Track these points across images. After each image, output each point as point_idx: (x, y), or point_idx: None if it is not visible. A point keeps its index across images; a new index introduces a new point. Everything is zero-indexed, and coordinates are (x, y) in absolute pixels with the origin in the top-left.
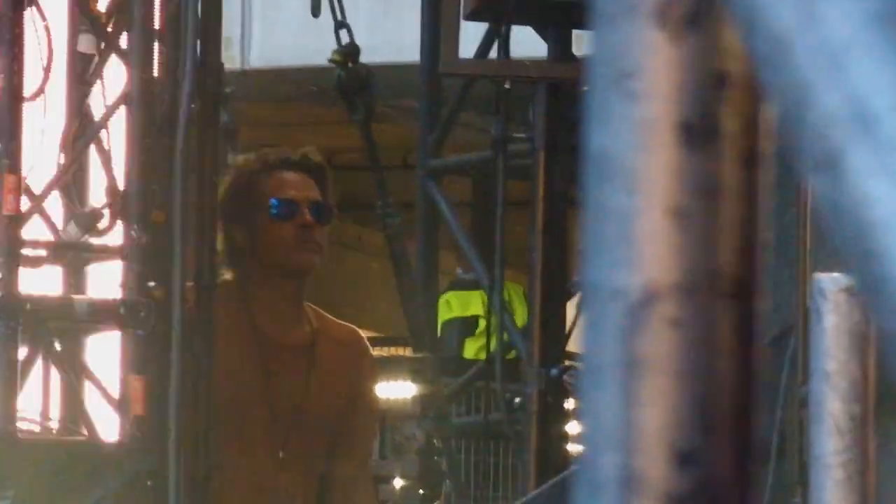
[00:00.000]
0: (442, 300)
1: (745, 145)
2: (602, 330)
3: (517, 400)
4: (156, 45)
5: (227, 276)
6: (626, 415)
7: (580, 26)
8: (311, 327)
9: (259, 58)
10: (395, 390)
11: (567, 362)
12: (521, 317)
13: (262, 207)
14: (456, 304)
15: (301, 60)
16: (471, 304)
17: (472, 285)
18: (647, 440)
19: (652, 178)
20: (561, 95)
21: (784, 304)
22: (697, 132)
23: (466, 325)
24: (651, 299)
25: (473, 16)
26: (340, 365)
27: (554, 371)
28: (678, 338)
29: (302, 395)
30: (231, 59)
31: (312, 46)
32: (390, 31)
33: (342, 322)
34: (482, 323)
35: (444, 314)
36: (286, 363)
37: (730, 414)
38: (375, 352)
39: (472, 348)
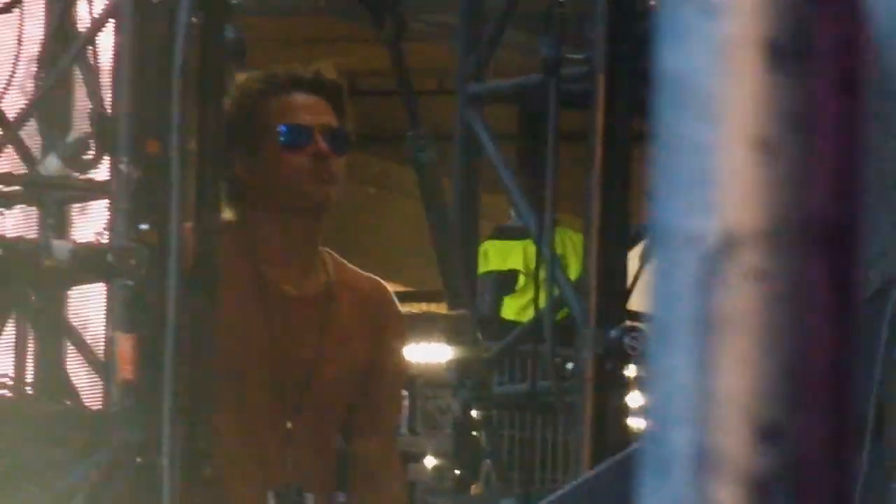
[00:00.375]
0: (479, 250)
1: (842, 67)
2: (674, 282)
3: (569, 366)
4: None
5: (227, 215)
6: (701, 382)
7: None
8: (326, 277)
9: None
10: (427, 353)
11: (628, 322)
12: (574, 269)
13: (269, 134)
14: (493, 256)
15: None
16: (510, 255)
17: (515, 234)
18: (725, 412)
19: (734, 106)
20: (623, 9)
21: (887, 252)
22: (787, 52)
23: (504, 281)
24: (732, 247)
25: None
26: (361, 322)
27: (613, 332)
28: (763, 292)
29: (314, 356)
30: None
31: None
32: None
33: (364, 273)
34: (522, 279)
35: (479, 266)
36: (296, 319)
37: (822, 382)
38: (404, 308)
39: (511, 307)
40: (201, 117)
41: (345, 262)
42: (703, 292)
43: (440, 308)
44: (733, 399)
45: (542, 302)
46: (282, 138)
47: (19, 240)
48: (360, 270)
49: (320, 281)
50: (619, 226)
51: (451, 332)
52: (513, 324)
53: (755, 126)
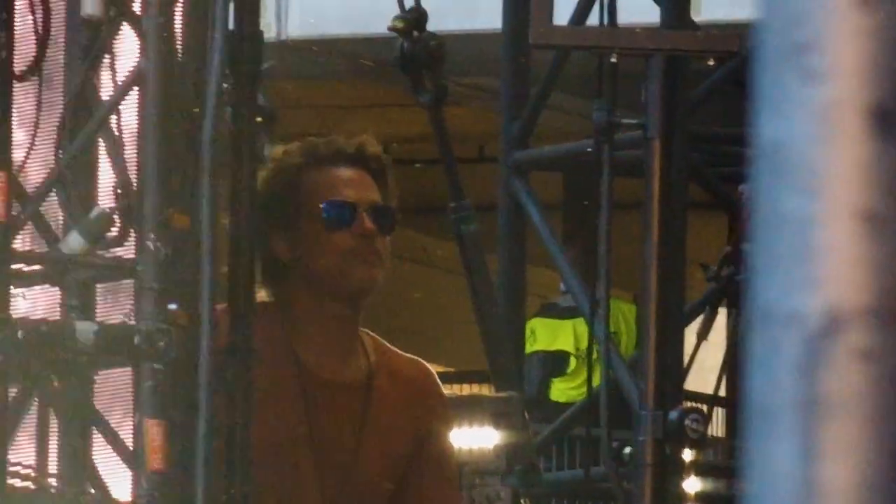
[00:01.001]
0: (526, 328)
1: None
2: (775, 364)
3: (627, 450)
4: (177, 9)
5: (263, 295)
6: (804, 472)
7: None
8: (367, 361)
9: (300, 25)
10: (474, 438)
11: (687, 404)
12: (626, 344)
13: (312, 212)
14: (542, 335)
15: (352, 28)
16: (559, 336)
17: (564, 313)
18: (832, 503)
19: (837, 176)
20: (678, 71)
21: None
22: (893, 118)
23: (553, 362)
24: (836, 326)
25: None
26: (403, 408)
27: (673, 414)
28: (871, 373)
29: (355, 443)
30: (265, 26)
31: (367, 10)
32: None
33: (407, 354)
34: (573, 361)
35: (525, 345)
36: (336, 407)
37: None
38: (447, 390)
39: (560, 390)
40: (233, 190)
41: (386, 343)
42: (806, 375)
43: (486, 390)
44: (839, 491)
45: (596, 380)
46: (324, 215)
47: (41, 322)
48: (401, 352)
49: (360, 366)
50: (676, 300)
51: (499, 415)
52: (562, 406)
53: (860, 197)
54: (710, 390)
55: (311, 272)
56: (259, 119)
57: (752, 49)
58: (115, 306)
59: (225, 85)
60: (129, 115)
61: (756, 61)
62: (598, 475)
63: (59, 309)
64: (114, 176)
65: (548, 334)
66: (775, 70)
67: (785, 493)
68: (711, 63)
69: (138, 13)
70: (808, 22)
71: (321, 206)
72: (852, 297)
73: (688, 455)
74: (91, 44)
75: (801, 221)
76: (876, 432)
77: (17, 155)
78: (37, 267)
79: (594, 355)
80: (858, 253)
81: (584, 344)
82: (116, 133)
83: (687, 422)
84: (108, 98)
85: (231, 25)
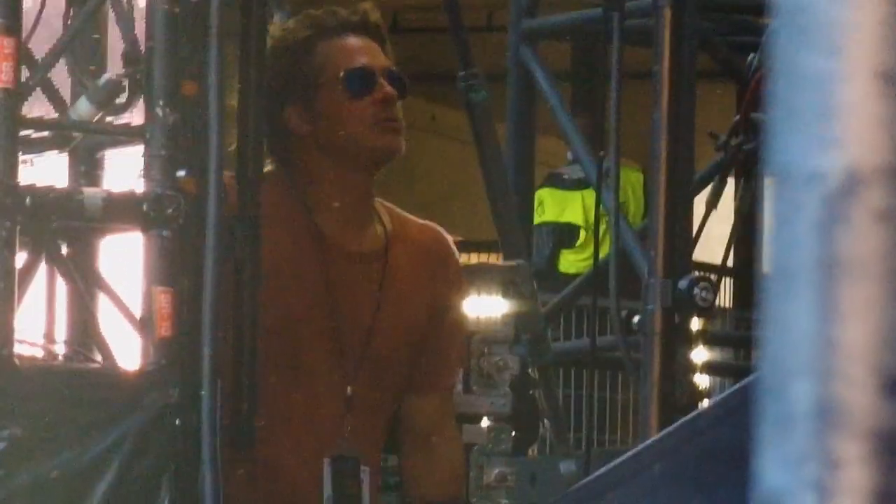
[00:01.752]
0: (534, 198)
1: None
2: (794, 224)
3: (635, 319)
4: None
5: (271, 167)
6: (823, 331)
7: None
8: (383, 229)
9: None
10: (483, 307)
11: (696, 273)
12: (634, 212)
13: (329, 81)
14: (550, 206)
15: None
16: (567, 207)
17: (572, 185)
18: (849, 363)
19: (857, 35)
20: None
21: None
22: None
23: (562, 234)
24: (856, 185)
25: None
26: (420, 275)
27: (682, 283)
28: (890, 233)
29: (373, 315)
30: None
31: None
32: None
33: (423, 221)
34: (583, 234)
35: (534, 215)
36: (354, 275)
37: None
38: None
39: (569, 261)
40: (242, 57)
41: (401, 211)
42: (825, 234)
43: (494, 259)
44: (858, 349)
45: (605, 250)
46: (346, 83)
47: (49, 188)
48: (418, 219)
49: (377, 235)
50: (686, 170)
51: (508, 283)
52: (570, 277)
53: (880, 56)
54: (717, 260)
55: (332, 142)
56: None
57: None
58: (122, 173)
59: None
60: None
61: None
62: (606, 344)
63: (66, 175)
64: (122, 43)
65: (556, 205)
66: None
67: (804, 353)
68: None
69: None
70: None
71: (341, 75)
72: (872, 156)
73: (695, 324)
74: None
75: (822, 80)
76: (893, 291)
77: (26, 22)
78: (45, 133)
79: (601, 225)
80: (879, 112)
81: (593, 216)
82: (125, 1)
83: (696, 290)
84: None
85: None
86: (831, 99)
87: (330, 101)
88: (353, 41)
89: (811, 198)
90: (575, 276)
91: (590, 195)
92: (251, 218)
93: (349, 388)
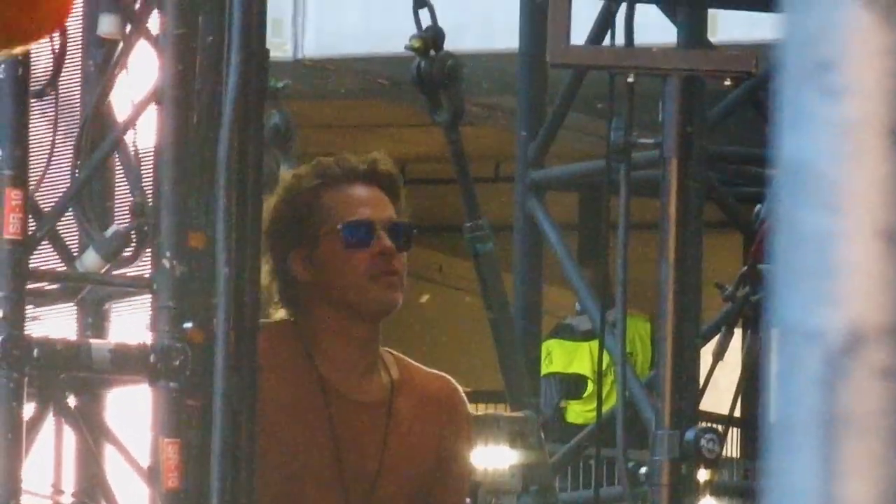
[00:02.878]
0: (542, 349)
1: None
2: (796, 381)
3: (642, 470)
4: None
5: (280, 314)
6: (824, 489)
7: (717, 4)
8: (389, 378)
9: (315, 45)
10: (490, 457)
11: (702, 424)
12: (643, 363)
13: (330, 232)
14: (558, 357)
15: (368, 47)
16: (576, 358)
17: (580, 335)
18: None
19: (859, 194)
20: (695, 91)
21: None
22: None
23: (570, 385)
24: (857, 343)
25: None
26: (426, 423)
27: (689, 434)
28: (891, 391)
29: (378, 463)
30: (280, 46)
31: (383, 30)
32: (480, 11)
33: (432, 371)
34: (591, 385)
35: (542, 366)
36: (358, 422)
37: None
38: None
39: (577, 412)
40: (240, 209)
41: (408, 360)
42: (827, 392)
43: (501, 409)
44: None
45: (611, 401)
46: (343, 236)
47: (57, 340)
48: (425, 368)
49: (383, 384)
50: (692, 321)
51: (515, 434)
52: (578, 428)
53: (881, 215)
54: (724, 411)
55: (330, 292)
56: (278, 136)
57: (773, 67)
58: (130, 325)
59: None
60: (145, 134)
61: (777, 79)
62: (612, 496)
63: (74, 327)
64: (130, 194)
65: (564, 356)
66: (796, 88)
67: None
68: (728, 83)
69: (155, 31)
70: (829, 40)
71: (339, 226)
72: (873, 314)
73: (703, 475)
74: (107, 62)
75: (823, 239)
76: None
77: (34, 173)
78: (53, 285)
79: (605, 376)
80: (880, 271)
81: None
82: (133, 151)
83: (703, 441)
84: (124, 116)
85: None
86: (832, 257)
87: (329, 252)
88: (359, 192)
89: (813, 354)
90: (583, 426)
91: (598, 346)
92: (249, 370)
93: None
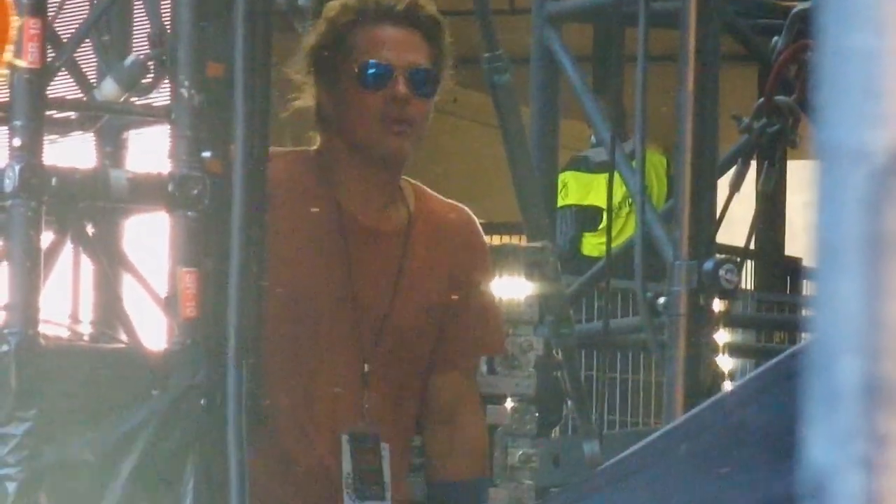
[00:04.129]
0: (558, 181)
1: None
2: (841, 201)
3: (661, 301)
4: None
5: (315, 143)
6: (871, 308)
7: None
8: (407, 209)
9: None
10: (506, 288)
11: (720, 256)
12: (656, 195)
13: (349, 70)
14: (573, 188)
15: None
16: (592, 190)
17: (596, 167)
18: None
19: None
20: None
21: None
22: None
23: (585, 217)
24: None
25: None
26: (442, 253)
27: (708, 265)
28: None
29: (392, 290)
30: None
31: None
32: None
33: (450, 201)
34: (605, 217)
35: (558, 198)
36: (375, 253)
37: None
38: None
39: (592, 244)
40: (251, 38)
41: (427, 190)
42: (872, 211)
43: (517, 240)
44: None
45: (629, 230)
46: (360, 76)
47: (75, 169)
48: (443, 198)
49: (401, 214)
50: (710, 153)
51: (532, 265)
52: (594, 260)
53: None
54: (740, 243)
55: (343, 130)
56: None
57: None
58: (147, 153)
59: None
60: None
61: None
62: (628, 326)
63: (92, 156)
64: (148, 23)
65: (580, 188)
66: None
67: (851, 330)
68: None
69: None
70: None
71: (356, 67)
72: None
73: (718, 306)
74: None
75: (868, 57)
76: None
77: (52, 1)
78: (71, 114)
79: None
80: None
81: (617, 196)
82: None
83: (721, 272)
84: None
85: None
86: (878, 76)
87: (346, 90)
88: (388, 32)
89: (858, 175)
90: (598, 258)
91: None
92: (259, 199)
93: (366, 365)
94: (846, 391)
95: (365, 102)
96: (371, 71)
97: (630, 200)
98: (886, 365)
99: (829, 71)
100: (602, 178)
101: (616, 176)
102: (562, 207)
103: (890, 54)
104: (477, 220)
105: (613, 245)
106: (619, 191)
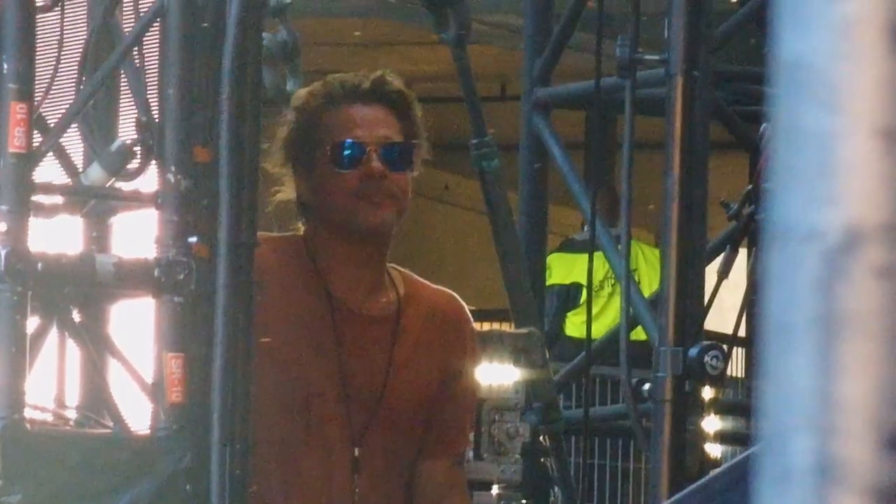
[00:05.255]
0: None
1: None
2: (794, 280)
3: (646, 387)
4: None
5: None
6: (823, 387)
7: None
8: (396, 294)
9: None
10: (494, 374)
11: (706, 342)
12: (647, 284)
13: (324, 153)
14: (558, 269)
15: None
16: (574, 269)
17: (581, 246)
18: (849, 419)
19: (858, 93)
20: (701, 8)
21: None
22: None
23: (568, 296)
24: (855, 243)
25: None
26: (432, 339)
27: (693, 351)
28: (889, 290)
29: (383, 377)
30: None
31: None
32: None
33: (438, 287)
34: (585, 293)
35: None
36: (365, 336)
37: None
38: None
39: (574, 324)
40: (238, 123)
41: (416, 277)
42: (824, 291)
43: (506, 327)
44: (857, 405)
45: (613, 318)
46: (334, 156)
47: (61, 254)
48: (432, 285)
49: (390, 299)
50: (698, 238)
51: (519, 351)
52: (576, 341)
53: (880, 114)
54: (729, 330)
55: (324, 212)
56: (285, 52)
57: None
58: (134, 239)
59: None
60: (151, 48)
61: None
62: (614, 413)
63: (78, 241)
64: (135, 109)
65: (564, 268)
66: None
67: (802, 408)
68: (734, 1)
69: None
70: None
71: (328, 148)
72: (871, 213)
73: (707, 393)
74: None
75: (821, 137)
76: (892, 348)
77: (39, 87)
78: (57, 199)
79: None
80: (878, 169)
81: (599, 275)
82: (138, 66)
83: (706, 358)
84: (130, 30)
85: None
86: (830, 156)
87: (322, 174)
88: (357, 111)
89: (810, 254)
90: (581, 339)
91: (598, 257)
92: (245, 285)
93: (356, 450)
94: (798, 470)
95: (342, 182)
96: (345, 152)
97: (613, 280)
98: (839, 444)
99: (782, 150)
100: (585, 257)
101: (601, 257)
102: (547, 288)
103: (842, 134)
104: (465, 306)
105: (596, 325)
106: (602, 268)
